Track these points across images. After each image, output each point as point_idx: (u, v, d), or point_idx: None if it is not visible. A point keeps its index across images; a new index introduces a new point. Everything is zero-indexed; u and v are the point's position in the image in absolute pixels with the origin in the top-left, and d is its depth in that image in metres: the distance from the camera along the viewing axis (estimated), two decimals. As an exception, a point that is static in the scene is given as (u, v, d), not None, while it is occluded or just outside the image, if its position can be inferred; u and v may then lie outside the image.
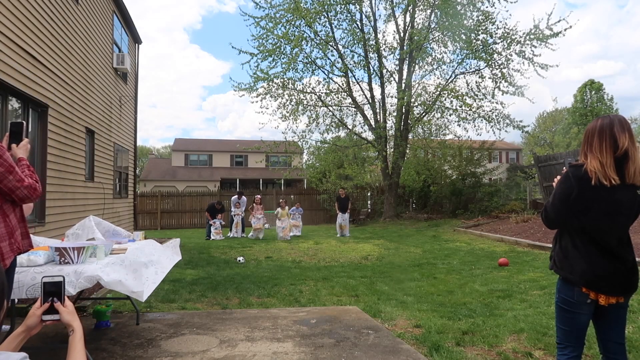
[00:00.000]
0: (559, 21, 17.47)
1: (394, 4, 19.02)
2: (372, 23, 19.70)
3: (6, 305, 1.30)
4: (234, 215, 15.49)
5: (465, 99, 18.23)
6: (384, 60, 19.67)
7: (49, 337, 3.95)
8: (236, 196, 15.83)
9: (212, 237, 14.63)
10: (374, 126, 19.78)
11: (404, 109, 19.22)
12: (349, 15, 19.19)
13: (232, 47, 43.49)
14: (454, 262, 9.06)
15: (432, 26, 18.98)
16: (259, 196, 14.67)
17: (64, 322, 1.49)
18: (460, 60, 19.24)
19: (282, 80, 19.13)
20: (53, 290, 1.52)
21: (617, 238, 2.20)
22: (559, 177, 2.27)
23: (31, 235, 3.47)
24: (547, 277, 6.81)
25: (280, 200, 15.08)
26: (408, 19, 19.44)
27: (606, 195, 2.11)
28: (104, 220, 4.51)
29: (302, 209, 16.40)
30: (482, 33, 18.09)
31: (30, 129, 6.71)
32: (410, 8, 18.78)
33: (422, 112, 19.95)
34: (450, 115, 19.66)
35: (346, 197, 14.91)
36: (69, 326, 1.47)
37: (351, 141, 21.64)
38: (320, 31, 19.07)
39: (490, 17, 17.88)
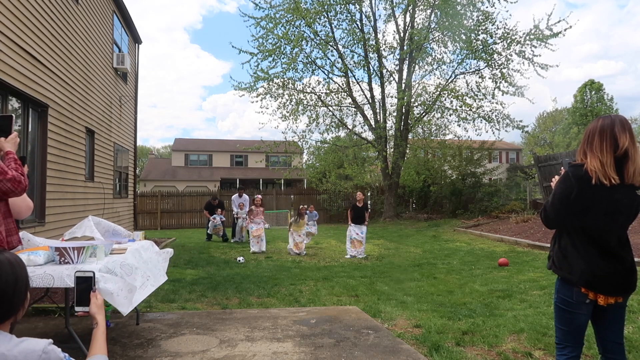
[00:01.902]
0: (559, 21, 17.53)
1: (394, 4, 19.04)
2: (372, 23, 19.72)
3: (29, 297, 1.44)
4: (237, 218, 13.30)
5: (465, 99, 18.26)
6: (384, 60, 19.70)
7: (49, 337, 3.95)
8: (237, 195, 13.69)
9: (211, 232, 13.73)
10: (374, 126, 19.79)
11: (404, 109, 19.23)
12: (348, 15, 19.21)
13: (233, 46, 43.72)
14: (454, 262, 9.07)
15: (432, 26, 18.99)
16: (259, 196, 11.74)
17: (91, 313, 1.62)
18: (460, 61, 19.28)
19: (282, 80, 19.16)
20: (84, 284, 1.68)
21: (617, 237, 2.20)
22: (556, 178, 2.28)
23: (31, 235, 3.48)
24: (547, 277, 6.82)
25: (302, 206, 11.36)
26: (408, 19, 19.47)
27: (606, 194, 2.12)
28: (104, 220, 4.51)
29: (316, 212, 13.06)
30: (482, 33, 18.11)
31: (30, 129, 6.71)
32: (410, 8, 18.80)
33: (422, 112, 19.97)
34: (450, 115, 19.70)
35: (365, 205, 10.65)
36: (94, 319, 1.60)
37: (351, 141, 21.66)
38: (320, 31, 19.10)
39: (490, 17, 17.90)
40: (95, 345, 1.52)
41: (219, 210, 13.94)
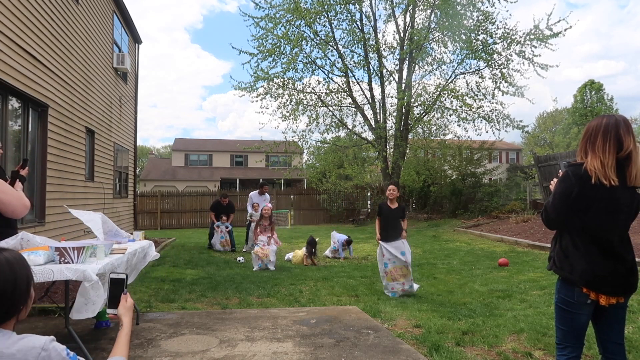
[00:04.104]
0: (558, 21, 17.47)
1: (394, 4, 19.02)
2: (372, 23, 19.69)
3: (34, 295, 1.42)
4: (251, 221, 10.57)
5: (465, 99, 18.23)
6: (384, 60, 19.66)
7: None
8: (256, 192, 10.92)
9: (217, 249, 11.11)
10: (374, 126, 19.77)
11: (404, 109, 19.21)
12: (349, 15, 19.18)
13: (232, 47, 43.70)
14: (454, 262, 9.06)
15: (432, 26, 18.96)
16: (269, 205, 9.39)
17: (118, 315, 1.63)
18: (460, 61, 19.22)
19: (282, 80, 19.13)
20: (117, 286, 1.68)
21: (618, 236, 2.20)
22: (556, 179, 2.28)
23: (31, 235, 3.47)
24: (547, 277, 6.81)
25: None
26: (408, 19, 19.44)
27: (606, 194, 2.11)
28: (110, 220, 4.51)
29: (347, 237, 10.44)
30: (482, 33, 18.08)
31: (30, 129, 6.71)
32: (410, 8, 18.77)
33: (422, 112, 19.95)
34: (450, 115, 19.65)
35: (401, 206, 6.54)
36: (120, 320, 1.61)
37: (351, 141, 21.63)
38: (320, 31, 19.06)
39: (490, 17, 17.87)
40: (117, 346, 1.53)
41: (224, 217, 11.21)
